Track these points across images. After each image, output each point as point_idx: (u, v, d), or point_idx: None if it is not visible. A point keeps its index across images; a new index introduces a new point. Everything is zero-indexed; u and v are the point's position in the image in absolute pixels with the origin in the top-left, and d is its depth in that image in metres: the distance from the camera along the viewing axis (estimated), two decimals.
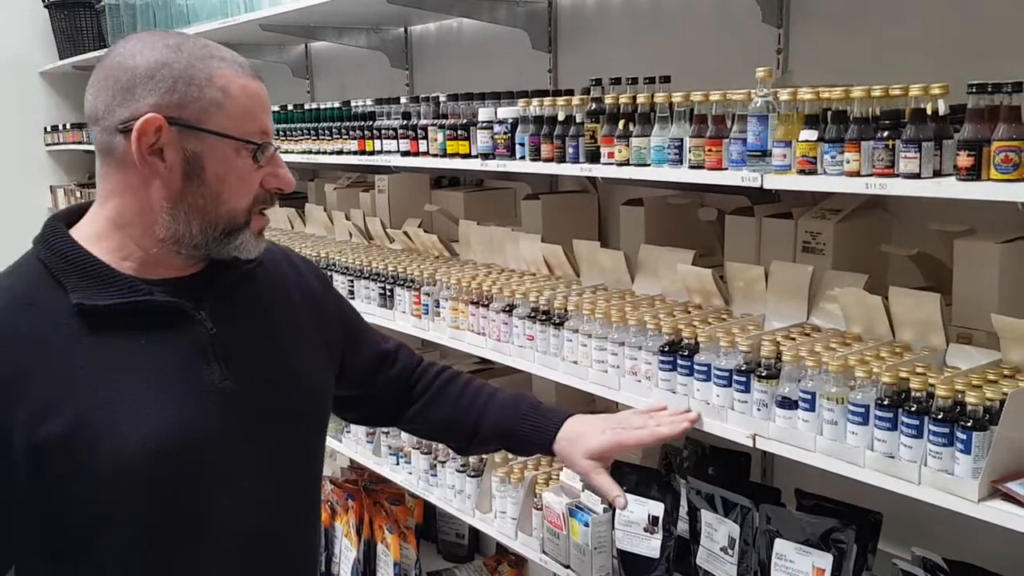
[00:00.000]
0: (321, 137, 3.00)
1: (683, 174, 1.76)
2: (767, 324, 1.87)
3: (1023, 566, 1.66)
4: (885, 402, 1.44)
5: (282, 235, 3.47)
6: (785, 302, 1.87)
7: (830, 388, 1.52)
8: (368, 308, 2.70)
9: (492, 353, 2.28)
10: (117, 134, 1.25)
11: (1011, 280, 1.63)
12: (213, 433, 1.29)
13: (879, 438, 1.45)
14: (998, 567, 1.65)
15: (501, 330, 2.22)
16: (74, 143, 5.29)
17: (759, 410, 1.64)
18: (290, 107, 3.26)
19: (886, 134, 1.44)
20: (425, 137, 2.50)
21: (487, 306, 2.27)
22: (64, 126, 5.39)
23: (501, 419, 1.63)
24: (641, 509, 2.00)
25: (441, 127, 2.42)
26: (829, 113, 1.52)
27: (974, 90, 1.36)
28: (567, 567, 2.16)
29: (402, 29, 3.41)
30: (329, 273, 2.79)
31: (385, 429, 2.84)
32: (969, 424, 1.34)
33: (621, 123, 1.86)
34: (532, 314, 2.13)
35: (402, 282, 2.61)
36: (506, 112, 2.22)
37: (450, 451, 2.51)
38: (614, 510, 2.02)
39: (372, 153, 2.74)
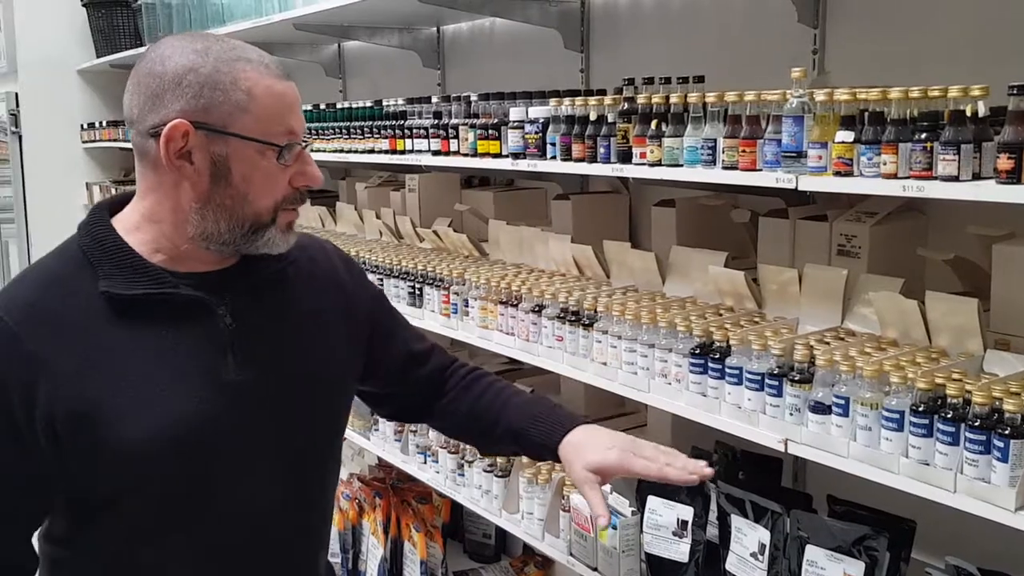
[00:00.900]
0: (353, 136, 3.01)
1: (716, 175, 1.75)
2: (800, 328, 1.85)
3: None
4: (920, 408, 1.42)
5: (312, 233, 3.48)
6: (819, 305, 1.85)
7: (864, 393, 1.50)
8: (397, 307, 2.68)
9: (520, 353, 2.27)
10: (149, 138, 1.29)
11: None
12: (223, 425, 1.32)
13: (914, 445, 1.43)
14: None
15: (530, 330, 2.22)
16: (110, 140, 5.33)
17: (791, 415, 1.62)
18: (322, 106, 3.28)
19: (924, 136, 1.42)
20: (456, 136, 2.50)
21: (516, 306, 2.26)
22: (100, 123, 5.44)
23: (514, 419, 1.63)
24: (670, 513, 1.98)
25: (472, 127, 2.42)
26: (866, 114, 1.50)
27: (1015, 92, 1.34)
28: (594, 569, 2.15)
29: (434, 29, 3.42)
30: None
31: (413, 427, 2.86)
32: (1007, 432, 1.32)
33: (654, 123, 1.85)
34: (561, 315, 2.13)
35: (431, 281, 2.62)
36: (537, 112, 2.21)
37: (477, 451, 2.51)
38: (643, 513, 2.01)
39: (403, 152, 2.75)
